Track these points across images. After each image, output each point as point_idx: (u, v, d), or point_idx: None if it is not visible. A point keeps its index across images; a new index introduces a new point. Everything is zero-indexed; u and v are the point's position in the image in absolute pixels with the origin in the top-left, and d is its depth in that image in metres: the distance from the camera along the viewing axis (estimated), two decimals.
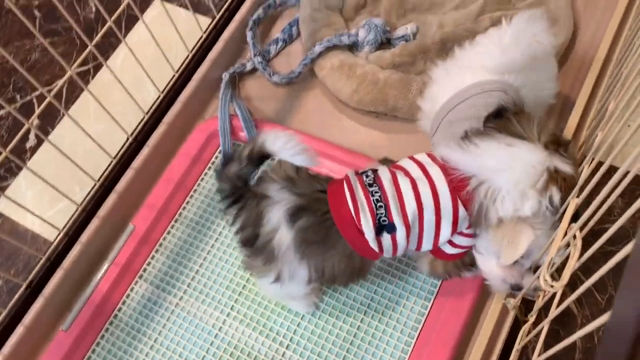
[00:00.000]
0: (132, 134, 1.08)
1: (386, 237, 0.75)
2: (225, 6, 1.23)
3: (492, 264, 0.80)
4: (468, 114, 0.81)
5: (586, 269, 0.66)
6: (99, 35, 0.94)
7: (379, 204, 0.74)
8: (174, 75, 1.14)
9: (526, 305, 0.88)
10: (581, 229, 0.57)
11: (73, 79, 0.92)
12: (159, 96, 1.12)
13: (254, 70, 1.19)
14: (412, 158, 0.79)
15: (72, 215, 1.03)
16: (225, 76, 1.14)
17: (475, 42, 0.87)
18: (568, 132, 0.94)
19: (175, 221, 1.05)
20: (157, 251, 1.02)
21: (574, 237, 0.57)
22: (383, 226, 0.74)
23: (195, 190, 1.07)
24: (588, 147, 0.79)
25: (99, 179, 1.05)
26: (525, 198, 0.69)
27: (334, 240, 0.75)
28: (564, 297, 0.62)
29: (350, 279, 0.81)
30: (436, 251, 0.82)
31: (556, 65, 0.93)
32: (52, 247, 1.00)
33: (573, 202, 0.60)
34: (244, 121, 1.08)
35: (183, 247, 1.02)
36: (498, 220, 0.70)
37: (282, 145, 0.73)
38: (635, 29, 0.89)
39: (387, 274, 0.95)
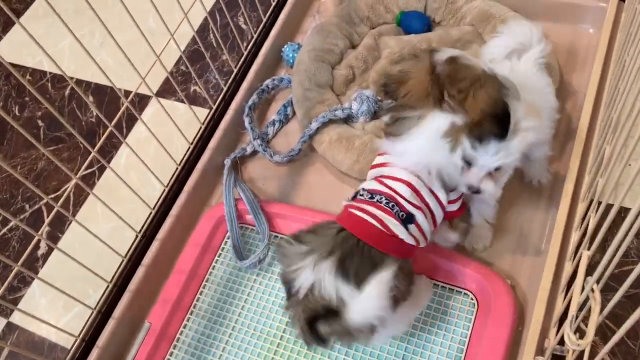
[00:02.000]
0: (140, 230, 1.09)
1: (412, 228, 0.81)
2: (221, 97, 1.27)
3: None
4: None
5: (612, 316, 0.65)
6: (101, 140, 0.97)
7: (390, 204, 0.80)
8: (177, 168, 1.17)
9: None
10: (598, 280, 0.56)
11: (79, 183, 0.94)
12: (164, 190, 1.14)
13: (254, 152, 1.22)
14: (380, 164, 0.86)
15: (87, 320, 1.02)
16: (227, 162, 1.17)
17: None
18: (570, 176, 0.95)
19: (191, 314, 1.04)
20: (175, 347, 1.01)
21: (592, 290, 0.56)
22: (404, 220, 0.80)
23: (208, 279, 1.07)
24: (592, 193, 0.79)
25: (111, 280, 1.05)
26: (454, 165, 0.79)
27: (380, 258, 0.77)
28: (594, 348, 0.60)
29: (410, 282, 0.82)
30: (447, 216, 0.89)
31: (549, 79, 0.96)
32: (70, 355, 0.99)
33: (585, 255, 0.60)
34: (249, 204, 1.10)
35: (200, 340, 1.00)
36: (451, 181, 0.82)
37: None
38: (617, 73, 0.91)
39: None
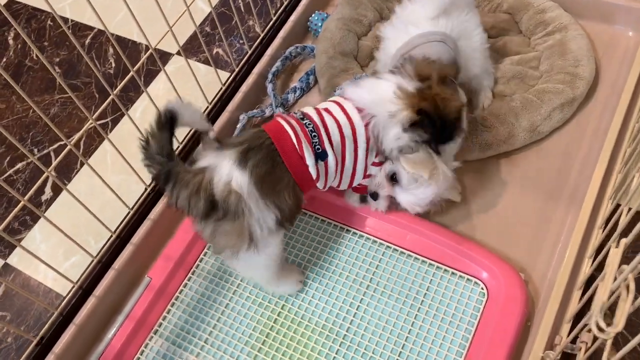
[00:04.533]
0: (150, 184, 1.07)
1: (320, 165, 0.84)
2: (244, 60, 1.25)
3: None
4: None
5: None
6: (122, 84, 0.95)
7: (313, 134, 0.83)
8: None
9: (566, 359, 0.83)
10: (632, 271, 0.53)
11: (90, 133, 0.92)
12: (178, 147, 1.12)
13: (271, 117, 1.19)
14: (332, 100, 0.89)
15: (87, 268, 1.00)
16: (243, 117, 1.14)
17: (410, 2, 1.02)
18: (597, 175, 0.92)
19: (192, 273, 1.01)
20: (173, 305, 0.98)
21: (626, 280, 0.53)
22: (318, 154, 0.83)
23: None
24: (625, 189, 0.76)
25: (115, 230, 1.02)
26: (390, 127, 0.83)
27: (280, 171, 0.81)
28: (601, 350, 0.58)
29: (295, 214, 0.86)
30: (358, 187, 0.95)
31: (478, 14, 1.05)
32: (65, 300, 0.97)
33: (623, 243, 0.57)
34: None
35: (200, 301, 0.98)
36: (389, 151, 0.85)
37: (185, 108, 0.80)
38: None
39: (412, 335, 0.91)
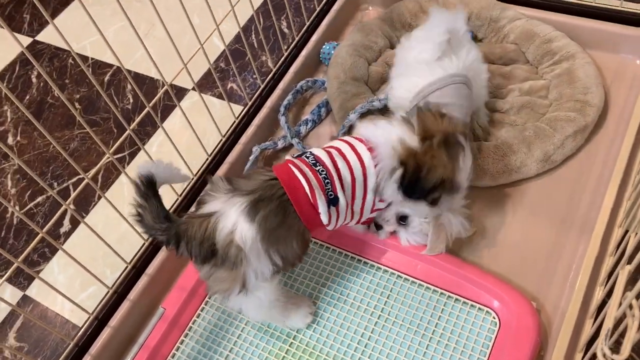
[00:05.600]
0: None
1: (332, 210, 0.84)
2: (257, 94, 1.28)
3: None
4: (443, 100, 0.95)
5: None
6: (138, 119, 0.98)
7: (326, 181, 0.83)
8: (207, 159, 1.17)
9: None
10: (637, 297, 0.54)
11: (108, 166, 0.95)
12: (192, 179, 1.14)
13: (285, 149, 1.22)
14: (343, 140, 0.88)
15: (103, 299, 1.01)
16: (256, 150, 1.16)
17: (409, 44, 1.06)
18: (607, 202, 0.92)
19: (205, 304, 1.02)
20: (186, 335, 0.99)
21: (630, 306, 0.53)
22: (330, 199, 0.83)
23: None
24: (633, 215, 0.76)
25: (130, 261, 1.04)
26: (390, 180, 0.83)
27: (291, 220, 0.81)
28: None
29: (299, 259, 0.86)
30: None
31: (479, 50, 1.07)
32: (81, 331, 0.98)
33: (625, 269, 0.57)
34: None
35: (213, 332, 0.99)
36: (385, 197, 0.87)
37: (157, 168, 0.79)
38: None
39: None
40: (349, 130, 1.15)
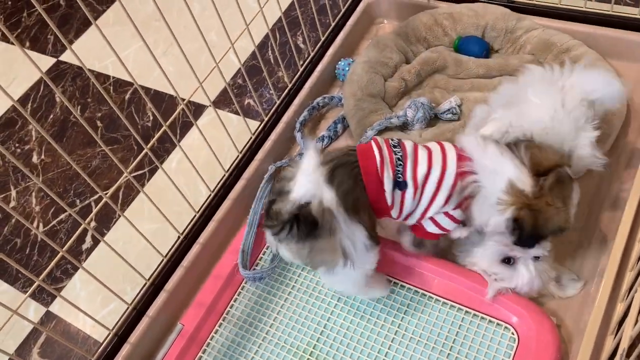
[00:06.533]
0: (182, 232, 1.11)
1: (397, 194, 0.84)
2: (273, 109, 1.29)
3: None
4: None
5: None
6: (155, 138, 1.00)
7: (399, 162, 0.83)
8: (224, 175, 1.18)
9: None
10: None
11: (129, 183, 0.96)
12: (210, 195, 1.16)
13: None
14: (438, 142, 0.88)
15: (122, 315, 1.03)
16: (271, 168, 1.17)
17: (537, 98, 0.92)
18: (628, 215, 0.90)
19: (223, 320, 1.03)
20: (204, 352, 1.00)
21: None
22: (397, 182, 0.83)
23: (243, 287, 1.06)
24: None
25: (149, 278, 1.06)
26: (490, 210, 0.80)
27: (360, 190, 0.82)
28: None
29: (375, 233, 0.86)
30: (418, 229, 0.92)
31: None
32: (102, 347, 1.00)
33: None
34: None
35: (230, 347, 0.99)
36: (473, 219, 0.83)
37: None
38: None
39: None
40: None
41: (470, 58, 1.27)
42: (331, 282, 0.98)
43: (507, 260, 0.91)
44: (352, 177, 0.81)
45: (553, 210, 0.79)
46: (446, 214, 0.87)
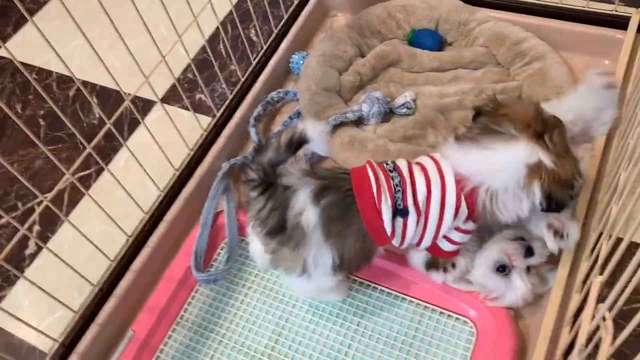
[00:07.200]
0: (131, 234, 1.06)
1: (399, 222, 0.79)
2: (225, 105, 1.25)
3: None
4: None
5: (622, 356, 0.61)
6: (98, 137, 0.95)
7: (397, 189, 0.78)
8: (174, 174, 1.14)
9: None
10: (610, 308, 0.52)
11: (75, 184, 0.91)
12: (160, 195, 1.11)
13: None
14: (430, 156, 0.83)
15: (69, 324, 0.98)
16: (225, 166, 1.13)
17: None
18: (582, 205, 0.91)
19: (177, 324, 0.99)
20: (157, 358, 0.96)
21: (603, 319, 0.52)
22: (398, 210, 0.78)
23: (197, 290, 1.03)
24: (604, 223, 0.75)
25: (97, 283, 1.01)
26: (517, 199, 0.75)
27: (352, 218, 0.78)
28: None
29: (360, 263, 0.84)
30: (434, 249, 0.86)
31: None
32: (48, 359, 0.94)
33: (597, 281, 0.56)
34: (227, 218, 1.06)
35: (185, 353, 0.96)
36: (501, 218, 0.77)
37: (319, 133, 0.78)
38: (636, 101, 0.89)
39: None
40: None
41: (424, 51, 1.26)
42: (288, 282, 0.97)
43: (502, 269, 0.87)
44: (343, 205, 0.78)
45: (570, 163, 0.75)
46: (457, 228, 0.82)
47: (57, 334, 0.95)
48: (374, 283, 0.98)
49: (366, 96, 1.16)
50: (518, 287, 0.87)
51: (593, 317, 0.53)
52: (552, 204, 0.75)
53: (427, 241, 0.83)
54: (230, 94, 1.27)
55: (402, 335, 0.92)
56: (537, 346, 0.80)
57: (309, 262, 0.79)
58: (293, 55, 1.33)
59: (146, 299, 1.01)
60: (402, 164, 0.82)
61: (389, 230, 0.78)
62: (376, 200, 0.77)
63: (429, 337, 0.91)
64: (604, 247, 0.63)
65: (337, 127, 1.13)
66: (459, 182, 0.78)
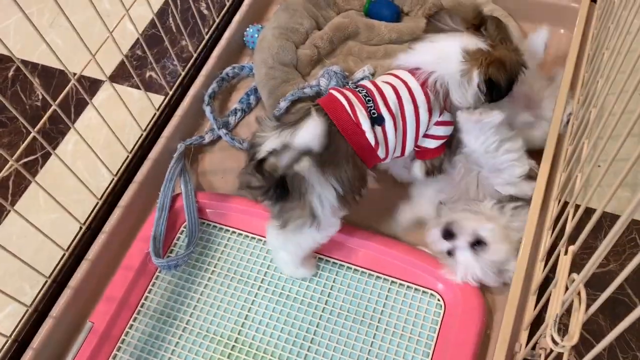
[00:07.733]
0: (85, 222, 1.01)
1: (378, 130, 0.82)
2: (178, 82, 1.20)
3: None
4: None
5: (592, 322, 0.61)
6: (43, 119, 0.89)
7: (367, 99, 0.82)
8: (127, 157, 1.08)
9: None
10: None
11: (20, 170, 0.85)
12: (113, 179, 1.06)
13: (213, 142, 1.15)
14: (386, 73, 0.89)
15: (22, 318, 0.93)
16: (180, 147, 1.09)
17: None
18: (542, 176, 0.92)
19: (138, 313, 0.95)
20: (119, 349, 0.92)
21: (578, 293, 0.52)
22: (374, 118, 0.81)
23: (157, 276, 0.99)
24: (567, 191, 0.76)
25: (50, 275, 0.96)
26: (462, 87, 0.83)
27: (337, 142, 0.79)
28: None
29: (358, 183, 0.83)
30: (422, 152, 0.91)
31: None
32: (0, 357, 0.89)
33: (570, 252, 0.56)
34: (185, 200, 1.02)
35: (148, 342, 0.93)
36: (458, 105, 0.85)
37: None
38: (593, 69, 0.89)
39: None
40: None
41: (381, 22, 1.24)
42: (276, 257, 0.96)
43: (448, 235, 0.89)
44: (327, 137, 0.78)
45: (512, 53, 0.83)
46: (437, 123, 0.88)
47: (8, 330, 0.90)
48: (340, 260, 0.96)
49: (324, 71, 1.13)
50: (461, 262, 0.88)
51: (567, 288, 0.53)
52: (493, 91, 0.82)
53: (410, 145, 0.88)
54: (183, 70, 1.22)
55: (370, 311, 0.91)
56: (505, 315, 0.80)
57: (316, 205, 0.79)
58: (247, 29, 1.28)
59: (104, 289, 0.97)
60: (364, 81, 0.88)
61: (371, 139, 0.81)
62: (351, 114, 0.80)
63: (397, 311, 0.91)
64: (570, 217, 0.64)
65: (295, 102, 1.09)
66: (419, 80, 0.84)
